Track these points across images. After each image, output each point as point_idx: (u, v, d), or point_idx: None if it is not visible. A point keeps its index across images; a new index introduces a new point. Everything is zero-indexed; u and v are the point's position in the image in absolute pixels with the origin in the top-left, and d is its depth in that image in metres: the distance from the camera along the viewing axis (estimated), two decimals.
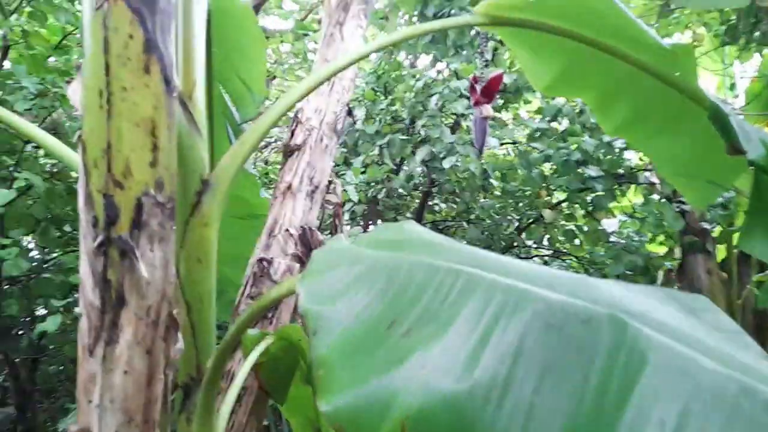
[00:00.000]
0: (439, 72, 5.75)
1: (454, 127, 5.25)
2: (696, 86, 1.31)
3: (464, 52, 4.85)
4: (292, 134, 2.54)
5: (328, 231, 4.25)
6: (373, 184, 5.09)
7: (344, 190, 3.98)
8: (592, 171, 4.22)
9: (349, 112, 2.74)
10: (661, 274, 5.25)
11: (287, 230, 2.28)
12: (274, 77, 7.34)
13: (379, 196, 5.07)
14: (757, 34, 3.47)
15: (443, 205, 6.45)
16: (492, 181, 5.27)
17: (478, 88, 2.81)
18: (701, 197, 1.70)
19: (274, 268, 2.18)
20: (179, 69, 1.23)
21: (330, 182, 2.66)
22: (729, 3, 2.26)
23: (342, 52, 2.76)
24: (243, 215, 2.71)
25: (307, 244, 2.30)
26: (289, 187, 2.38)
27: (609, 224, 5.42)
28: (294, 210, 2.34)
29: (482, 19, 1.44)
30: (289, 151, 2.50)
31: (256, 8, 7.10)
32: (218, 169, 1.24)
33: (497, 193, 5.64)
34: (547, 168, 4.97)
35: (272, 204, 2.35)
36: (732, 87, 4.94)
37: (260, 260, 2.18)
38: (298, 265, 2.20)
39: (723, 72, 4.26)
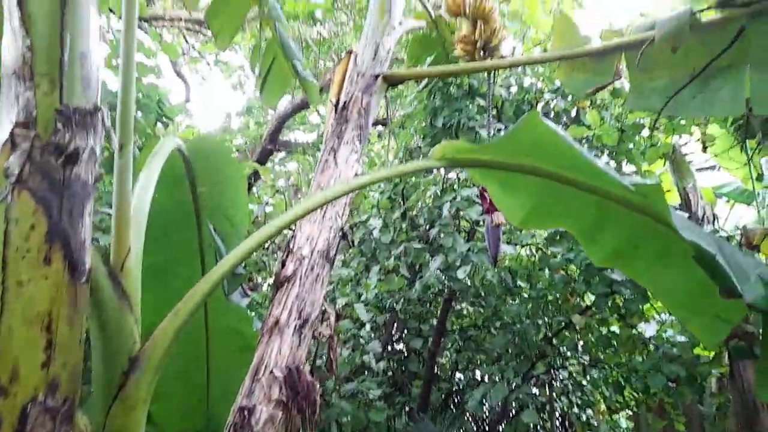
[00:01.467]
0: (457, 175, 5.77)
1: (471, 234, 5.15)
2: (673, 226, 1.18)
3: None
4: (283, 264, 2.48)
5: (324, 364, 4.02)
6: (391, 294, 4.97)
7: (349, 308, 3.87)
8: (616, 275, 3.98)
9: (344, 236, 2.67)
10: (713, 383, 4.75)
11: (272, 372, 2.14)
12: (297, 187, 7.53)
13: (397, 307, 4.92)
14: None
15: (470, 308, 6.20)
16: (519, 283, 5.08)
17: (488, 195, 2.73)
18: (710, 335, 1.50)
19: (255, 418, 2.02)
20: (113, 239, 1.19)
21: (324, 312, 2.56)
22: (723, 111, 2.17)
23: (335, 179, 2.77)
24: (237, 349, 2.61)
25: (294, 387, 2.15)
26: (276, 323, 2.27)
27: (648, 327, 5.03)
28: (281, 348, 2.21)
29: (439, 162, 1.39)
30: (279, 283, 2.42)
31: (281, 123, 7.48)
32: (149, 344, 1.15)
33: (525, 295, 5.39)
34: (573, 269, 4.75)
35: (258, 342, 2.24)
36: (759, 178, 4.73)
37: (241, 409, 2.03)
38: (281, 414, 2.04)
39: (746, 163, 4.08)
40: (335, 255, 2.60)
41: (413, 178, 5.32)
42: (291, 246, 2.54)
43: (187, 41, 8.24)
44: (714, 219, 5.30)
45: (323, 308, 2.61)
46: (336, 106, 3.01)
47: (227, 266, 1.39)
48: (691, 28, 2.21)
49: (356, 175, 2.90)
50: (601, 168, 1.23)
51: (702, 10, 2.16)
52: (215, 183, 2.03)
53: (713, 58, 2.12)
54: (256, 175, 7.15)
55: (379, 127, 8.39)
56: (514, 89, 5.28)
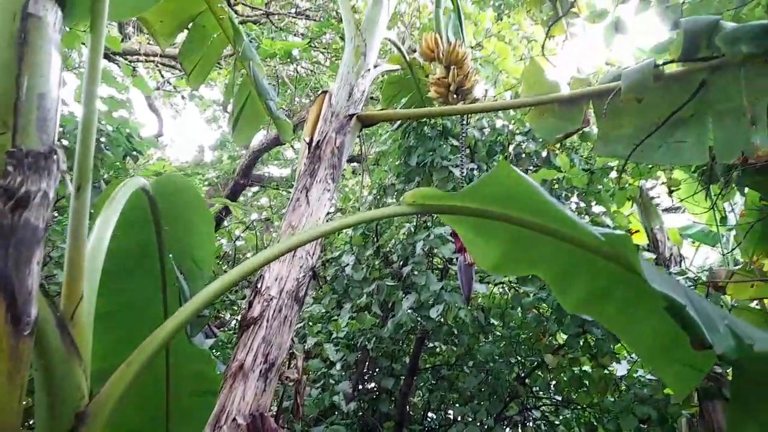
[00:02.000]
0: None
1: (444, 272, 5.14)
2: (643, 276, 1.18)
3: None
4: (250, 305, 2.41)
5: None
6: (363, 332, 4.88)
7: (320, 347, 3.77)
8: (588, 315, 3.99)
9: (314, 276, 2.62)
10: (684, 424, 4.75)
11: (235, 419, 2.05)
12: (269, 221, 7.44)
13: (369, 346, 4.83)
14: (735, 173, 3.45)
15: (443, 346, 6.12)
16: (492, 321, 5.06)
17: None
18: (681, 383, 1.49)
19: None
20: (64, 285, 1.13)
21: (291, 355, 2.48)
22: (688, 160, 2.23)
23: (307, 218, 2.74)
24: (200, 393, 2.49)
25: None
26: (240, 367, 2.19)
27: (619, 367, 5.03)
28: (244, 394, 2.13)
29: (410, 208, 1.38)
30: (245, 325, 2.35)
31: (255, 158, 7.44)
32: (98, 398, 1.08)
33: (498, 334, 5.36)
34: (546, 308, 4.76)
35: (221, 388, 2.15)
36: (723, 221, 4.87)
37: None
38: None
39: (710, 208, 4.20)
40: (305, 295, 2.54)
41: None
42: (259, 286, 2.47)
43: (162, 75, 8.21)
44: (681, 260, 5.41)
45: (291, 351, 2.53)
46: (309, 144, 3.00)
47: (188, 313, 1.33)
48: (655, 80, 2.29)
49: (328, 213, 2.88)
50: (571, 217, 1.23)
51: (665, 63, 2.25)
52: (181, 222, 1.97)
53: (676, 110, 2.19)
54: (227, 210, 7.05)
55: (354, 163, 8.42)
56: (487, 130, 5.38)
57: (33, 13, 0.96)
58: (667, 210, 6.44)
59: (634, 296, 1.44)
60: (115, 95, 4.03)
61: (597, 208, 5.01)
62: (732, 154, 2.10)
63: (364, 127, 3.32)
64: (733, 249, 4.47)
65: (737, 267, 4.36)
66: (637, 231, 6.01)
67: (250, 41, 7.15)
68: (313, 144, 2.97)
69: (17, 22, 0.95)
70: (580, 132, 2.84)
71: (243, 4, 7.16)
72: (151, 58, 6.99)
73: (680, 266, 5.19)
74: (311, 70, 7.74)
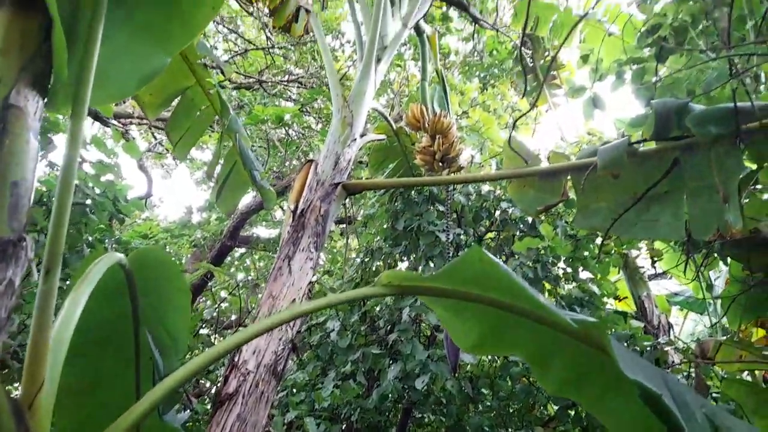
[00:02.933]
0: None
1: (431, 339, 5.06)
2: (617, 365, 1.17)
3: (433, 265, 4.90)
4: (225, 380, 2.34)
5: None
6: (347, 403, 4.73)
7: (300, 420, 3.63)
8: None
9: (294, 348, 2.57)
10: None
11: None
12: (256, 284, 7.35)
13: (353, 417, 4.66)
14: (715, 244, 3.49)
15: (432, 416, 5.92)
16: (482, 389, 4.93)
17: None
18: None
19: None
20: (25, 371, 1.09)
21: None
22: (665, 235, 2.26)
23: (288, 287, 2.71)
24: None
25: None
26: None
27: None
28: None
29: (385, 289, 1.37)
30: (219, 401, 2.27)
31: (243, 220, 7.45)
32: None
33: (488, 404, 5.20)
34: (535, 379, 4.65)
35: None
36: (709, 288, 4.88)
37: None
38: None
39: (695, 278, 4.21)
40: (284, 369, 2.48)
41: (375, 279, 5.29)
42: (236, 360, 2.41)
43: (155, 137, 8.34)
44: (669, 328, 5.38)
45: (267, 429, 2.44)
46: (294, 212, 3.02)
47: (158, 395, 1.29)
48: (630, 157, 2.36)
49: (311, 282, 2.85)
50: (544, 302, 1.23)
51: (638, 142, 2.32)
52: (157, 295, 1.95)
53: (650, 187, 2.24)
54: (212, 273, 6.98)
55: (343, 225, 8.45)
56: (473, 196, 5.46)
57: (14, 104, 0.99)
58: (654, 276, 6.48)
59: (614, 381, 1.42)
60: (104, 159, 4.08)
61: (585, 274, 5.03)
62: (706, 231, 2.14)
63: (349, 195, 3.36)
64: (719, 319, 4.45)
65: (725, 337, 4.34)
66: (625, 297, 6.01)
67: (243, 107, 7.35)
68: (298, 212, 2.99)
69: None
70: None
71: (237, 72, 7.40)
72: (144, 121, 7.12)
73: (669, 335, 5.15)
74: (302, 134, 7.91)
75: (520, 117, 2.53)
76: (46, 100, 1.07)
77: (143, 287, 1.90)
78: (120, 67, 1.26)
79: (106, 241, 5.00)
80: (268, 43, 7.37)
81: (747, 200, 2.71)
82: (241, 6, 7.95)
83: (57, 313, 1.22)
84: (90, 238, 4.67)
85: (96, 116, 6.19)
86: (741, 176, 2.18)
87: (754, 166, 2.26)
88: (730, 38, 2.10)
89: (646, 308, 5.23)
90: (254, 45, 7.90)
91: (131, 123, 7.21)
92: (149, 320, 2.09)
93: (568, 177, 2.68)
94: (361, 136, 3.55)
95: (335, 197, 3.12)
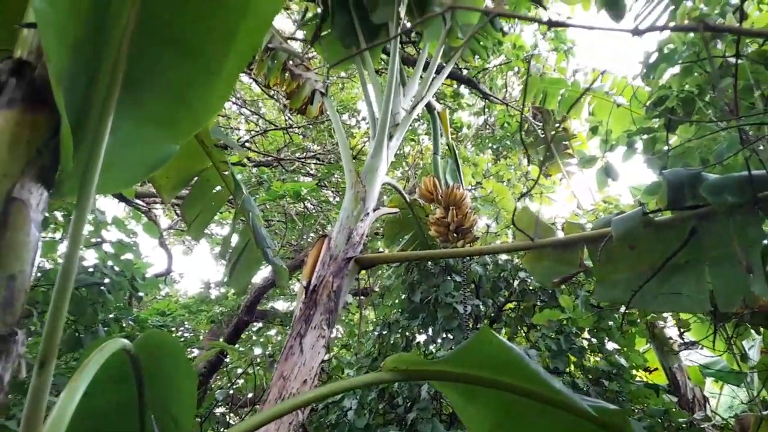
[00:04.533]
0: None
1: (452, 419, 4.82)
2: None
3: (452, 337, 4.76)
4: None
5: None
6: None
7: None
8: None
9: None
10: None
11: None
12: (274, 360, 7.20)
13: None
14: (746, 312, 3.33)
15: None
16: None
17: None
18: None
19: None
20: None
21: None
22: (688, 308, 2.16)
23: (300, 367, 2.64)
24: None
25: None
26: None
27: None
28: None
29: (390, 375, 1.31)
30: None
31: (260, 294, 7.42)
32: None
33: None
34: None
35: None
36: (744, 358, 4.62)
37: None
38: None
39: (726, 350, 4.00)
40: None
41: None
42: None
43: (177, 214, 8.54)
44: (705, 402, 5.05)
45: None
46: (306, 288, 2.99)
47: None
48: (646, 227, 2.31)
49: (323, 361, 2.77)
50: (560, 388, 1.16)
51: (652, 212, 2.28)
52: (163, 381, 1.90)
53: (668, 257, 2.18)
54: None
55: (361, 297, 8.35)
56: (490, 266, 5.38)
57: (17, 197, 1.01)
58: (684, 346, 6.17)
59: None
60: (125, 238, 4.16)
61: (611, 345, 4.81)
62: (732, 303, 2.04)
63: (362, 270, 3.33)
64: (759, 393, 4.17)
65: (767, 412, 4.05)
66: (655, 369, 5.70)
67: (262, 183, 7.53)
68: (310, 288, 2.96)
69: (0, 206, 0.99)
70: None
71: (256, 151, 7.66)
72: (171, 200, 7.31)
73: (705, 410, 4.83)
74: (320, 208, 8.02)
75: (528, 192, 2.52)
76: (51, 191, 1.10)
77: (150, 372, 1.86)
78: (127, 155, 1.30)
79: (123, 320, 5.00)
80: (287, 122, 7.66)
81: None
82: (262, 90, 8.37)
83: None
84: (111, 315, 4.68)
85: (120, 197, 6.40)
86: (763, 244, 2.11)
87: None
88: (738, 107, 2.11)
89: (678, 381, 4.94)
90: (274, 125, 8.22)
91: (154, 202, 7.42)
92: (155, 406, 2.03)
93: (584, 248, 2.62)
94: (374, 210, 3.57)
95: (348, 272, 3.10)
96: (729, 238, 2.15)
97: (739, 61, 2.76)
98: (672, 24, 2.86)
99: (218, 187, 2.75)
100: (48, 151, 1.07)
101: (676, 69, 2.70)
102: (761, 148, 2.53)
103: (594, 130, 3.71)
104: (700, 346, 5.62)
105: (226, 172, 2.62)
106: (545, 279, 2.78)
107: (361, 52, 3.85)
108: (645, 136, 3.34)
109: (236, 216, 2.74)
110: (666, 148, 3.23)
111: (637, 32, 0.82)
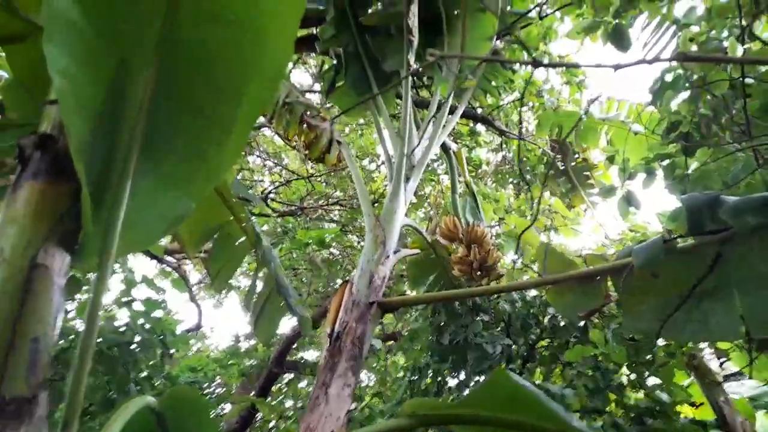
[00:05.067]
0: None
1: None
2: None
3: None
4: None
5: None
6: None
7: None
8: None
9: None
10: None
11: None
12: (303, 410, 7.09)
13: None
14: None
15: None
16: None
17: None
18: None
19: None
20: None
21: None
22: (720, 336, 2.09)
23: (326, 418, 2.61)
24: None
25: None
26: None
27: None
28: None
29: (409, 420, 1.30)
30: None
31: (289, 345, 7.39)
32: None
33: None
34: None
35: None
36: None
37: None
38: None
39: None
40: None
41: None
42: None
43: (207, 269, 8.70)
44: None
45: None
46: (330, 336, 3.00)
47: None
48: (669, 254, 2.27)
49: (348, 411, 2.74)
50: (577, 426, 1.13)
51: (673, 239, 2.24)
52: None
53: (695, 284, 2.13)
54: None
55: (390, 342, 8.25)
56: (518, 303, 5.29)
57: (40, 263, 1.06)
58: (729, 377, 5.87)
59: None
60: (153, 296, 4.25)
61: (653, 379, 4.62)
62: (765, 327, 1.97)
63: (385, 313, 3.32)
64: None
65: None
66: (701, 404, 5.42)
67: (287, 232, 7.64)
68: (334, 335, 2.96)
69: (24, 272, 1.04)
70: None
71: (279, 201, 7.82)
72: (196, 254, 7.48)
73: None
74: (345, 253, 8.07)
75: (532, 224, 2.51)
76: (72, 255, 1.15)
77: (175, 430, 1.87)
78: (146, 216, 1.36)
79: (155, 378, 5.04)
80: (308, 172, 7.84)
81: None
82: (285, 141, 8.63)
83: None
84: (145, 373, 4.73)
85: (151, 254, 6.57)
86: None
87: None
88: (750, 128, 2.09)
89: (725, 415, 4.67)
90: (297, 174, 8.41)
91: (184, 258, 7.60)
92: None
93: (608, 280, 2.58)
94: (395, 252, 3.59)
95: (371, 317, 3.09)
96: (755, 261, 2.10)
97: (754, 82, 2.75)
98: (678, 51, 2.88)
99: (240, 240, 2.83)
100: (70, 217, 1.13)
101: (686, 94, 2.70)
102: None
103: (611, 159, 3.70)
104: (747, 376, 5.34)
105: (246, 225, 2.69)
106: (570, 313, 2.73)
107: (371, 97, 3.97)
108: (664, 162, 3.31)
109: (258, 267, 2.79)
110: (686, 172, 3.20)
111: (618, 67, 0.84)
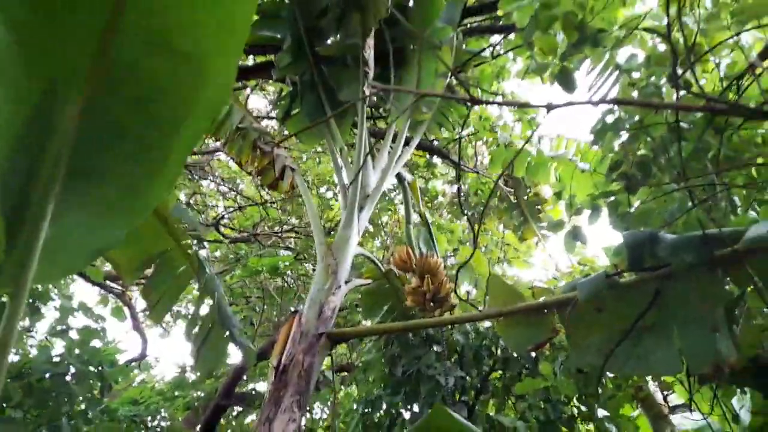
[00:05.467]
0: None
1: None
2: None
3: None
4: None
5: None
6: None
7: None
8: None
9: None
10: None
11: None
12: None
13: None
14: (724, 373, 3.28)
15: None
16: None
17: None
18: None
19: None
20: None
21: None
22: (660, 371, 2.14)
23: None
24: None
25: None
26: None
27: None
28: None
29: None
30: None
31: (238, 376, 7.12)
32: None
33: None
34: None
35: None
36: (736, 419, 4.51)
37: None
38: None
39: (710, 412, 3.90)
40: None
41: None
42: None
43: (145, 297, 8.35)
44: None
45: None
46: (276, 368, 2.90)
47: None
48: (612, 288, 2.32)
49: None
50: None
51: (614, 275, 2.30)
52: None
53: (636, 320, 2.17)
54: None
55: (343, 373, 8.10)
56: (471, 335, 5.29)
57: None
58: (672, 409, 6.02)
59: None
60: (91, 324, 4.03)
61: (602, 412, 4.68)
62: (702, 364, 2.02)
63: (335, 344, 3.25)
64: None
65: None
66: None
67: (239, 259, 7.46)
68: (280, 368, 2.86)
69: None
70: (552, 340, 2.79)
71: (231, 228, 7.66)
72: (142, 281, 7.19)
73: None
74: (300, 281, 7.93)
75: (471, 257, 2.53)
76: None
77: None
78: (71, 243, 1.29)
79: (91, 411, 4.75)
80: (262, 198, 7.73)
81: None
82: (240, 167, 8.51)
83: None
84: (75, 410, 4.44)
85: (92, 281, 6.26)
86: (726, 304, 2.12)
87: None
88: (684, 170, 2.19)
89: None
90: (252, 201, 8.28)
91: (125, 286, 7.29)
92: None
93: (554, 313, 2.61)
94: (347, 282, 3.54)
95: (319, 348, 3.01)
96: (692, 298, 2.16)
97: (688, 126, 2.90)
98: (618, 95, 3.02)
99: (182, 267, 2.72)
100: None
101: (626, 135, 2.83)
102: (714, 206, 2.61)
103: (558, 195, 3.81)
104: (690, 410, 5.48)
105: (190, 252, 2.60)
106: (519, 346, 2.74)
107: (324, 121, 3.96)
108: (608, 200, 3.42)
109: (201, 296, 2.69)
110: (628, 210, 3.31)
111: (550, 107, 0.86)
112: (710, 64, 3.92)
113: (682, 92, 2.37)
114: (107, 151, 1.23)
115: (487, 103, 0.82)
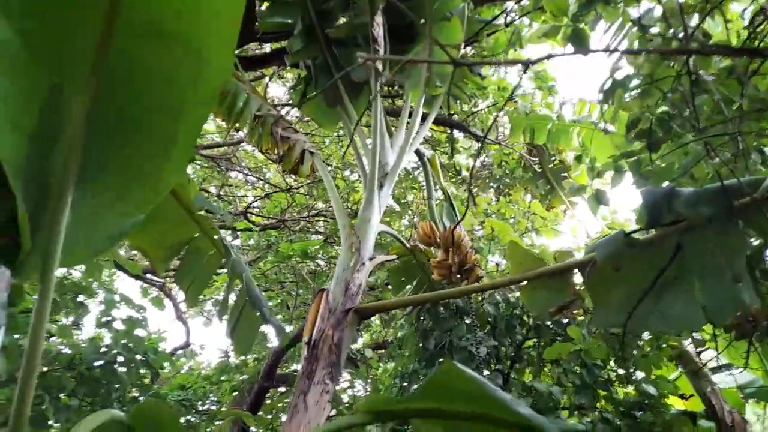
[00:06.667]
0: None
1: None
2: None
3: None
4: None
5: None
6: None
7: None
8: None
9: None
10: None
11: None
12: None
13: None
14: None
15: None
16: None
17: None
18: None
19: None
20: None
21: None
22: (681, 326, 2.13)
23: (305, 426, 2.61)
24: None
25: None
26: None
27: None
28: None
29: (363, 417, 1.32)
30: None
31: (278, 358, 7.33)
32: None
33: None
34: None
35: None
36: None
37: None
38: None
39: (745, 366, 3.83)
40: None
41: None
42: None
43: (177, 284, 8.64)
44: (745, 426, 4.78)
45: None
46: (308, 344, 3.00)
47: None
48: (629, 248, 2.31)
49: (328, 418, 2.74)
50: (524, 413, 1.15)
51: (633, 232, 2.28)
52: None
53: (657, 276, 2.16)
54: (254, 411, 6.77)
55: (381, 351, 8.24)
56: (502, 305, 5.31)
57: None
58: (718, 368, 5.91)
59: None
60: (134, 315, 4.23)
61: (641, 373, 4.65)
62: (724, 315, 2.00)
63: (363, 320, 3.34)
64: None
65: None
66: (691, 395, 5.45)
67: (270, 246, 7.63)
68: (311, 343, 2.96)
69: None
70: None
71: (260, 215, 7.82)
72: (166, 271, 7.45)
73: None
74: (330, 264, 8.07)
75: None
76: (12, 270, 1.17)
77: None
78: (90, 230, 1.37)
79: (141, 398, 5.00)
80: (288, 184, 7.85)
81: None
82: (265, 156, 8.64)
83: None
84: (126, 397, 4.68)
85: (135, 275, 6.54)
86: (749, 252, 2.09)
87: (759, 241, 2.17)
88: (699, 122, 2.14)
89: (714, 405, 4.71)
90: (277, 188, 8.42)
91: (167, 276, 7.57)
92: None
93: (574, 275, 2.61)
94: (370, 259, 3.60)
95: (347, 323, 3.10)
96: (713, 249, 2.14)
97: (710, 78, 2.81)
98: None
99: (209, 253, 2.83)
100: (7, 235, 1.14)
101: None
102: (737, 158, 2.54)
103: (578, 159, 3.76)
104: (740, 368, 5.37)
105: (216, 237, 2.70)
106: (542, 310, 2.76)
107: (325, 89, 3.97)
108: (630, 160, 3.37)
109: (230, 279, 2.80)
110: (651, 169, 3.25)
111: (527, 63, 0.88)
112: (734, 13, 3.77)
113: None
114: (117, 138, 1.30)
115: (468, 64, 0.82)
